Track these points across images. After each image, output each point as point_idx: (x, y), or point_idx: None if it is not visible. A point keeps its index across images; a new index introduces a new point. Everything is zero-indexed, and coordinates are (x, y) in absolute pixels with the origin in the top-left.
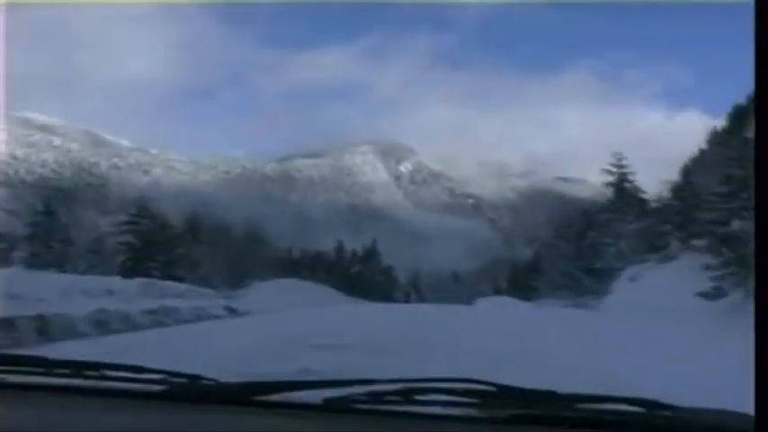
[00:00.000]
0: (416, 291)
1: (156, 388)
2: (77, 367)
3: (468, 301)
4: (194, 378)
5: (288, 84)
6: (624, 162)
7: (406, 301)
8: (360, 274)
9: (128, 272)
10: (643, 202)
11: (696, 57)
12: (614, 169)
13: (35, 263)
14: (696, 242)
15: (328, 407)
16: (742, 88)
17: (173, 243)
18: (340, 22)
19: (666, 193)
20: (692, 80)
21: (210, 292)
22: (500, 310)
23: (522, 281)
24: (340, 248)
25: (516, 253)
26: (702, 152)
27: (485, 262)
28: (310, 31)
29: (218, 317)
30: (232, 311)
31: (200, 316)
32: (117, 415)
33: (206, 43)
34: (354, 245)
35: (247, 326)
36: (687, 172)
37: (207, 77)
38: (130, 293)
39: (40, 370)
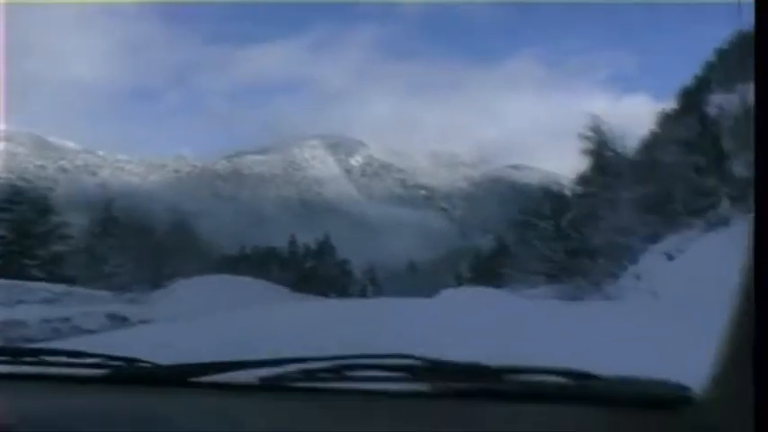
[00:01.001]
0: (373, 284)
1: (94, 372)
2: (15, 353)
3: (428, 293)
4: (131, 361)
5: (234, 81)
6: (602, 127)
7: (363, 294)
8: (313, 269)
9: None
10: (639, 164)
11: (641, 41)
12: (591, 134)
13: None
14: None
15: (263, 386)
16: (687, 70)
17: (61, 235)
18: (284, 16)
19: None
20: (637, 65)
21: (107, 294)
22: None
23: (488, 268)
24: (292, 243)
25: (474, 241)
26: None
27: (442, 252)
28: (254, 27)
29: (90, 331)
30: (122, 320)
31: (57, 330)
32: (55, 399)
33: (150, 43)
34: (307, 239)
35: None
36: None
37: (152, 77)
38: None
39: None
